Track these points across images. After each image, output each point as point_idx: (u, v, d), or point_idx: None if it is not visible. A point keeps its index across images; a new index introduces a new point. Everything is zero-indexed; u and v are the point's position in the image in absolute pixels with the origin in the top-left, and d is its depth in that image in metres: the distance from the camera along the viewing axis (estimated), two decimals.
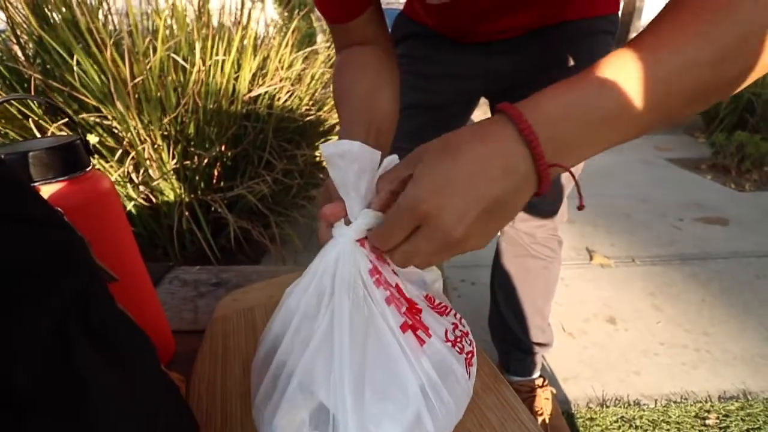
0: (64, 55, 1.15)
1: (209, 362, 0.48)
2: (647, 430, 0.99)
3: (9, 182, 0.22)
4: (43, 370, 0.21)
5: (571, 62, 0.65)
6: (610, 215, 2.10)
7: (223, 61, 1.34)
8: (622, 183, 2.52)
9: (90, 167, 0.41)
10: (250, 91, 1.45)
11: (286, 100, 1.63)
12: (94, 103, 1.16)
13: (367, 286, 0.32)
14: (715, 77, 0.27)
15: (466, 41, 0.66)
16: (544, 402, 0.89)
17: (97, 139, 1.12)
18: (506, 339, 0.92)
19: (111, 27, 1.40)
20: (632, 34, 7.14)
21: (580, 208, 0.32)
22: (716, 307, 1.41)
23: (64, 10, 1.20)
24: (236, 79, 1.42)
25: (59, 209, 0.29)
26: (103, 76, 1.17)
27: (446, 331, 0.36)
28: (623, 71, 0.26)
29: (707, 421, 1.00)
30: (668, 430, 0.99)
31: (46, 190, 0.38)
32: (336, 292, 0.31)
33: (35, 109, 1.11)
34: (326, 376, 0.30)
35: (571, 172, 0.28)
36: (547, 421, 0.88)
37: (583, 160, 0.29)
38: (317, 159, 1.72)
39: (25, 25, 1.21)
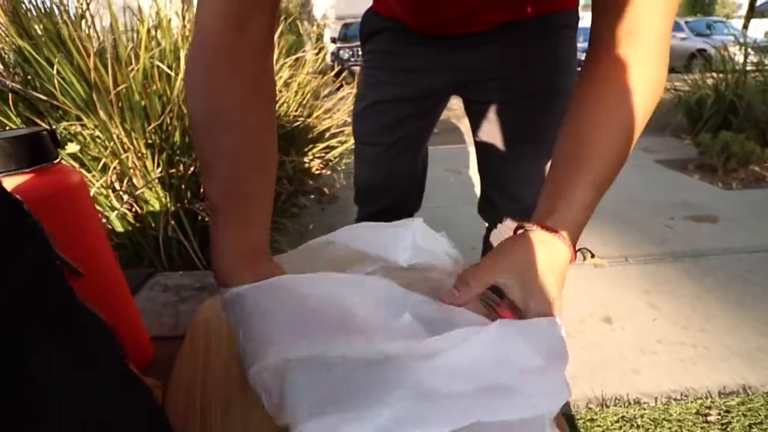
0: (44, 64, 1.13)
1: (188, 366, 0.46)
2: (649, 429, 0.96)
3: None
4: None
5: (534, 57, 0.67)
6: (602, 217, 2.11)
7: None
8: (612, 185, 2.54)
9: (58, 160, 0.39)
10: None
11: None
12: (76, 111, 1.14)
13: None
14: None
15: (434, 33, 0.68)
16: None
17: (78, 147, 1.10)
18: None
19: (94, 39, 1.38)
20: None
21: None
22: (711, 303, 1.40)
23: (45, 20, 1.19)
24: None
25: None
26: (85, 85, 1.15)
27: None
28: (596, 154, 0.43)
29: (709, 418, 0.99)
30: (670, 428, 0.97)
31: (10, 182, 0.36)
32: None
33: (13, 118, 1.08)
34: None
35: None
36: None
37: None
38: (306, 166, 1.70)
39: (4, 36, 1.19)
